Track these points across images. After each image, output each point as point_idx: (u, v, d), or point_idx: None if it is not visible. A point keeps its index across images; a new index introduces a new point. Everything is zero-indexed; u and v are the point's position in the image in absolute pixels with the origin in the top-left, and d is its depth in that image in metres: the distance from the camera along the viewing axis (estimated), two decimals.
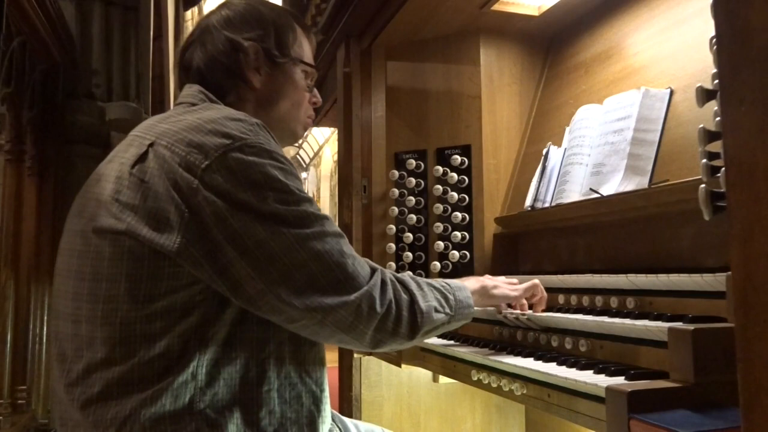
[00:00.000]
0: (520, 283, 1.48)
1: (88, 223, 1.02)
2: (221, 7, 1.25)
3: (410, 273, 1.24)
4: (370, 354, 2.09)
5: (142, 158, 1.01)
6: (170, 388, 0.94)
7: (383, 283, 1.07)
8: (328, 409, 1.14)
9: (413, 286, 1.12)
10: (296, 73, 1.26)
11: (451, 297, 1.19)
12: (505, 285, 1.43)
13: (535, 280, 1.48)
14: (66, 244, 1.08)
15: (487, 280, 1.42)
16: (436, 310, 1.14)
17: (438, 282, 1.21)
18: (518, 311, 1.47)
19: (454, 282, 1.25)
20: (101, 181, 1.05)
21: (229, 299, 0.99)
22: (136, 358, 0.95)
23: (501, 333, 1.59)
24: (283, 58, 1.23)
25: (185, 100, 1.17)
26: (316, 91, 1.33)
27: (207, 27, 1.22)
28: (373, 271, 1.07)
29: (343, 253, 1.02)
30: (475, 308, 1.29)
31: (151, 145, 1.01)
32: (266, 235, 0.97)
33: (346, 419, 1.36)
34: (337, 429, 1.29)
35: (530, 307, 1.47)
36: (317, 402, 1.09)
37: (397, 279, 1.11)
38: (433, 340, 1.69)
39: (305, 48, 1.29)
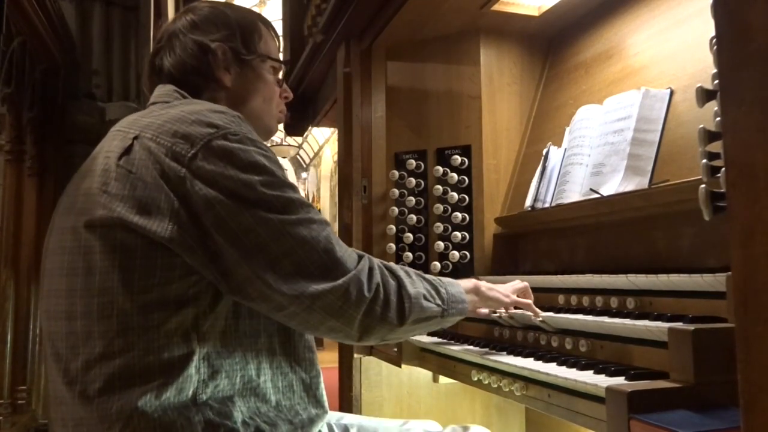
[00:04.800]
0: (512, 288, 1.46)
1: (78, 219, 1.02)
2: (185, 12, 1.29)
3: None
4: (370, 354, 2.09)
5: (127, 151, 1.03)
6: (175, 381, 0.96)
7: (371, 268, 1.08)
8: (321, 393, 1.16)
9: (401, 273, 1.14)
10: (265, 69, 1.29)
11: (442, 290, 1.20)
12: (499, 290, 1.41)
13: (525, 283, 1.47)
14: (55, 242, 1.08)
15: (481, 282, 1.42)
16: (425, 298, 1.15)
17: (429, 275, 1.22)
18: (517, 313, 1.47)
19: (447, 279, 1.26)
20: (87, 176, 1.06)
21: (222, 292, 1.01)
22: (135, 350, 0.96)
23: (501, 333, 1.59)
24: (251, 56, 1.27)
25: (160, 99, 1.19)
26: (286, 85, 1.37)
27: (174, 32, 1.25)
28: (360, 257, 1.09)
29: (330, 239, 1.04)
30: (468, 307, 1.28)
31: (135, 137, 1.03)
32: (253, 222, 0.99)
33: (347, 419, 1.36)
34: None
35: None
36: (307, 389, 1.12)
37: (385, 266, 1.13)
38: (432, 340, 1.69)
39: (271, 45, 1.33)
